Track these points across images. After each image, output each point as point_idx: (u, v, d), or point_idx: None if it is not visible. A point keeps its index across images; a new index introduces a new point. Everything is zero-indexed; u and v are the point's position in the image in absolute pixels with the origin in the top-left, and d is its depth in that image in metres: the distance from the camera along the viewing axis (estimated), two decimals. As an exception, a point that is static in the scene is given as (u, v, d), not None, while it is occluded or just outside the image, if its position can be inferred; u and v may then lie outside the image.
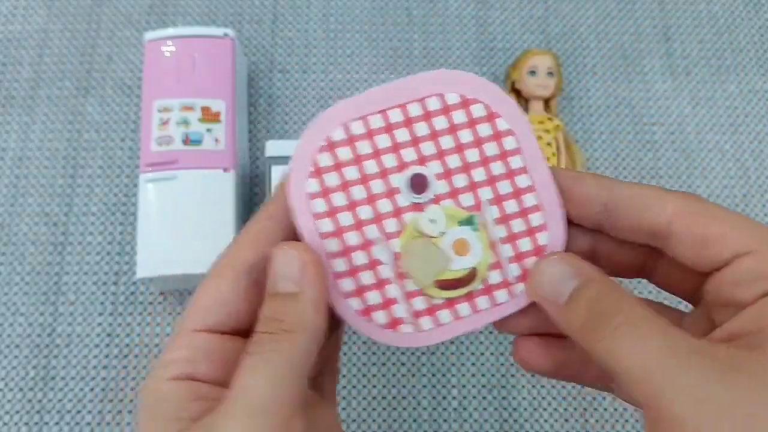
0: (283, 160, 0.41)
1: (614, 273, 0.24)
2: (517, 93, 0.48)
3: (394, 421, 0.42)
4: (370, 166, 0.22)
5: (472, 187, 0.22)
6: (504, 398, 0.43)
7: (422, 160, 0.22)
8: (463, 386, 0.43)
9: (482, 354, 0.44)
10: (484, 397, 0.43)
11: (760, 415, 0.17)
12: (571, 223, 0.23)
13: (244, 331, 0.21)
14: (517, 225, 0.23)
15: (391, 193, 0.22)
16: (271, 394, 0.19)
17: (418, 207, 0.22)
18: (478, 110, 0.22)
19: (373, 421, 0.42)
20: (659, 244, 0.22)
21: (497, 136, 0.22)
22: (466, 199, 0.22)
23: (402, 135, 0.22)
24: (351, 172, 0.22)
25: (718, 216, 0.21)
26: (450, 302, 0.23)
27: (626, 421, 0.43)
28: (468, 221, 0.22)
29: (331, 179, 0.22)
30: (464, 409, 0.43)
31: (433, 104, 0.22)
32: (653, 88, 0.50)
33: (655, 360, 0.18)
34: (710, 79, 0.50)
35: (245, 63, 0.48)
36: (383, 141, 0.22)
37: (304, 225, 0.22)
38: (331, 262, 0.22)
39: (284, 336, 0.20)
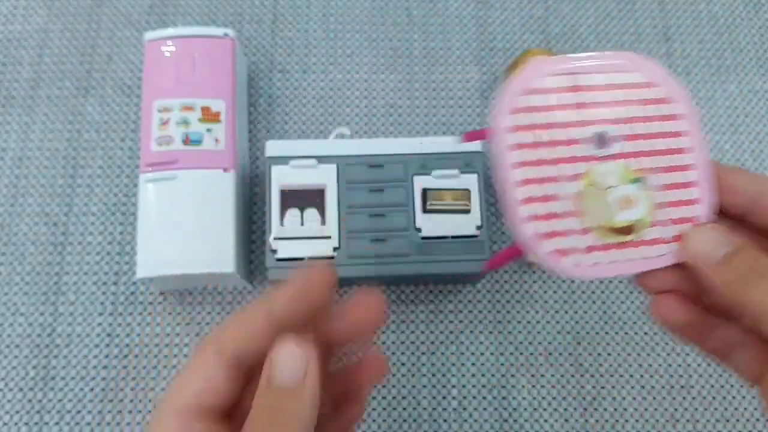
0: (283, 160, 0.41)
1: None
2: (517, 93, 0.48)
3: (394, 421, 0.42)
4: (561, 116, 0.26)
5: (646, 154, 0.26)
6: (504, 398, 0.43)
7: (607, 122, 0.26)
8: (463, 386, 0.43)
9: (482, 354, 0.44)
10: (484, 397, 0.43)
11: None
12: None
13: (222, 409, 0.24)
14: (678, 194, 0.26)
15: (576, 142, 0.26)
16: None
17: (597, 159, 0.26)
18: (659, 92, 0.26)
19: (373, 420, 0.42)
20: None
21: (673, 117, 0.26)
22: (639, 163, 0.26)
23: (592, 97, 0.26)
24: (543, 118, 0.26)
25: None
26: (609, 246, 0.26)
27: (626, 421, 0.43)
28: (637, 181, 0.26)
29: (524, 119, 0.26)
30: (464, 409, 0.43)
31: (623, 78, 0.26)
32: (653, 88, 0.50)
33: None
34: (710, 79, 0.51)
35: (245, 63, 0.48)
36: (575, 98, 0.26)
37: (501, 151, 0.25)
38: (518, 190, 0.25)
39: (282, 429, 0.21)
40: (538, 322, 0.45)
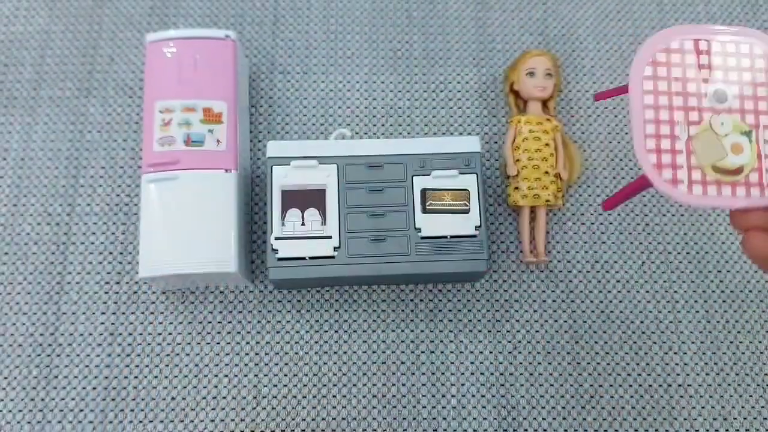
0: (284, 160, 0.41)
1: None
2: (515, 94, 0.48)
3: (394, 419, 0.43)
4: (690, 72, 0.31)
5: (757, 112, 0.31)
6: (503, 396, 0.43)
7: (727, 82, 0.31)
8: (462, 384, 0.43)
9: (481, 353, 0.44)
10: (483, 396, 0.43)
11: None
12: None
13: None
14: None
15: (699, 95, 0.31)
16: None
17: (715, 111, 0.31)
18: None
19: (373, 419, 0.43)
20: None
21: None
22: (750, 118, 0.31)
23: (717, 60, 0.32)
24: (676, 71, 0.31)
25: None
26: (717, 182, 0.31)
27: (624, 419, 0.43)
28: (747, 133, 0.31)
29: (661, 71, 0.31)
30: (463, 407, 0.43)
31: (744, 48, 0.32)
32: (651, 89, 0.50)
33: None
34: (707, 80, 0.51)
35: (246, 64, 0.49)
36: (703, 59, 0.31)
37: (635, 95, 0.31)
38: (645, 126, 0.30)
39: None
40: (536, 321, 0.45)
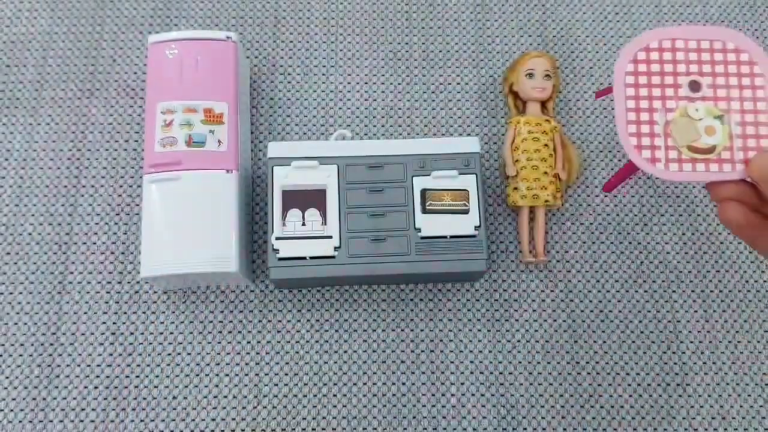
0: (284, 161, 0.42)
1: None
2: (515, 95, 0.48)
3: (394, 417, 0.43)
4: (668, 66, 0.36)
5: (729, 99, 0.36)
6: (502, 395, 0.44)
7: (701, 74, 0.36)
8: (462, 383, 0.44)
9: (480, 352, 0.44)
10: (482, 394, 0.43)
11: None
12: None
13: None
14: (750, 129, 0.36)
15: (676, 86, 0.36)
16: None
17: (690, 99, 0.36)
18: (744, 57, 0.36)
19: (374, 417, 0.43)
20: None
21: (753, 75, 0.36)
22: (722, 104, 0.36)
23: (693, 56, 0.36)
24: (654, 67, 0.36)
25: None
26: (693, 160, 0.35)
27: (623, 418, 0.43)
28: (719, 117, 0.36)
29: (641, 67, 0.36)
30: (463, 406, 0.43)
31: (718, 45, 0.36)
32: (649, 90, 0.51)
33: None
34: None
35: (247, 65, 0.49)
36: (680, 55, 0.36)
37: (618, 87, 0.36)
38: (627, 114, 0.36)
39: None
40: (535, 320, 0.45)
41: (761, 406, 0.44)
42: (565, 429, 0.43)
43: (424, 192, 0.42)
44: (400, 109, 0.50)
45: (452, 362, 0.44)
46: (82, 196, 0.47)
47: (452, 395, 0.43)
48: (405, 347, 0.44)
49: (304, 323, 0.45)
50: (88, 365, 0.43)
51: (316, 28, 0.51)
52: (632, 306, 0.46)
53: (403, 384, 0.44)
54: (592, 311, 0.45)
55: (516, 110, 0.48)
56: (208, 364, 0.43)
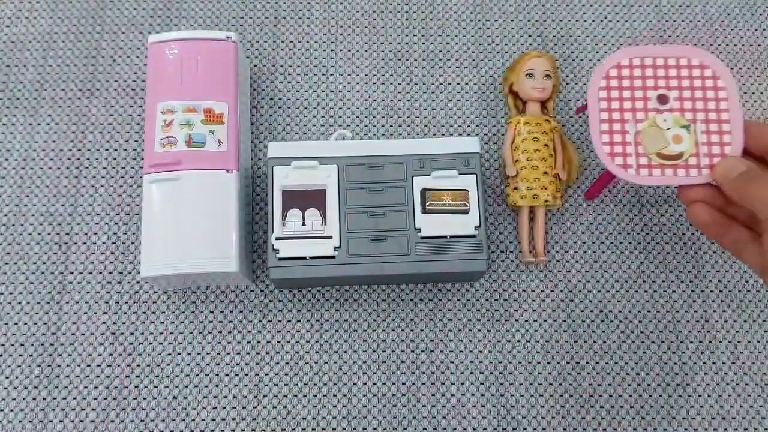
0: (284, 161, 0.42)
1: None
2: (514, 95, 0.48)
3: (394, 417, 0.43)
4: (637, 82, 0.40)
5: (694, 110, 0.40)
6: (502, 395, 0.44)
7: (668, 88, 0.40)
8: (462, 383, 0.44)
9: (480, 352, 0.44)
10: (482, 394, 0.43)
11: None
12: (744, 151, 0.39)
13: None
14: (715, 137, 0.39)
15: (645, 99, 0.40)
16: None
17: (658, 111, 0.40)
18: (708, 72, 0.40)
19: (374, 417, 0.43)
20: None
21: (716, 88, 0.40)
22: (688, 115, 0.40)
23: (661, 71, 0.40)
24: (625, 82, 0.40)
25: None
26: (662, 166, 0.39)
27: (623, 418, 0.43)
28: (685, 127, 0.39)
29: (613, 82, 0.40)
30: (462, 406, 0.43)
31: (684, 61, 0.40)
32: (649, 91, 0.51)
33: None
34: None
35: (247, 66, 0.49)
36: (649, 71, 0.40)
37: (592, 101, 0.40)
38: (601, 125, 0.39)
39: None
40: (535, 320, 0.45)
41: (761, 406, 0.44)
42: (565, 429, 0.43)
43: (424, 192, 0.42)
44: (400, 109, 0.50)
45: (452, 362, 0.44)
46: (82, 196, 0.47)
47: (452, 395, 0.43)
48: (405, 347, 0.44)
49: (304, 323, 0.45)
50: (88, 365, 0.43)
51: (317, 28, 0.51)
52: (632, 306, 0.46)
53: (403, 384, 0.44)
54: (592, 311, 0.46)
55: (516, 110, 0.48)
56: (208, 364, 0.43)
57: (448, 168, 0.42)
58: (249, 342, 0.44)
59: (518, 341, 0.45)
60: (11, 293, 0.44)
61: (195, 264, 0.40)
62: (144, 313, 0.44)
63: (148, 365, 0.43)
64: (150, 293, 0.45)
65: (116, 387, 0.43)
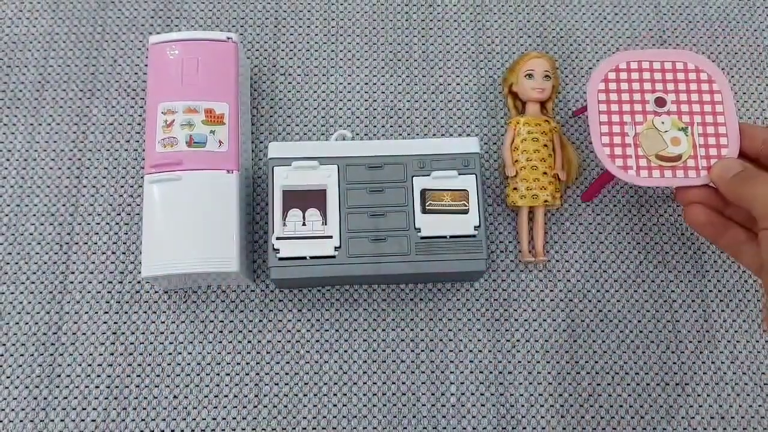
0: (285, 161, 0.42)
1: None
2: (514, 95, 0.48)
3: (394, 417, 0.43)
4: (635, 85, 0.41)
5: (691, 113, 0.41)
6: (501, 395, 0.44)
7: (666, 91, 0.41)
8: (462, 383, 0.44)
9: (480, 351, 0.44)
10: (482, 394, 0.44)
11: None
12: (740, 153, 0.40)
13: None
14: (712, 140, 0.40)
15: (643, 102, 0.41)
16: None
17: (656, 114, 0.41)
18: (704, 76, 0.41)
19: (374, 417, 0.43)
20: None
21: (712, 92, 0.41)
22: (686, 118, 0.41)
23: (658, 75, 0.41)
24: (623, 85, 0.41)
25: None
26: (661, 168, 0.40)
27: (622, 417, 0.43)
28: (683, 129, 0.40)
29: (612, 85, 0.41)
30: (462, 405, 0.43)
31: (680, 65, 0.42)
32: (649, 91, 0.51)
33: None
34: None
35: (248, 66, 0.49)
36: (647, 75, 0.41)
37: (592, 103, 0.41)
38: (600, 127, 0.40)
39: None
40: (534, 320, 0.45)
41: (760, 406, 0.44)
42: (564, 428, 0.43)
43: (424, 192, 0.42)
44: (400, 109, 0.50)
45: (452, 362, 0.44)
46: (83, 196, 0.47)
47: (452, 394, 0.44)
48: (405, 347, 0.44)
49: (304, 323, 0.45)
50: (89, 364, 0.43)
51: (317, 29, 0.52)
52: (631, 305, 0.46)
53: (403, 384, 0.44)
54: (591, 311, 0.46)
55: (515, 111, 0.48)
56: (208, 364, 0.44)
57: (447, 168, 0.42)
58: (249, 342, 0.44)
59: (518, 341, 0.45)
60: (12, 293, 0.45)
61: (196, 264, 0.40)
62: (145, 312, 0.44)
63: (149, 365, 0.43)
64: (151, 293, 0.45)
65: (117, 386, 0.43)
